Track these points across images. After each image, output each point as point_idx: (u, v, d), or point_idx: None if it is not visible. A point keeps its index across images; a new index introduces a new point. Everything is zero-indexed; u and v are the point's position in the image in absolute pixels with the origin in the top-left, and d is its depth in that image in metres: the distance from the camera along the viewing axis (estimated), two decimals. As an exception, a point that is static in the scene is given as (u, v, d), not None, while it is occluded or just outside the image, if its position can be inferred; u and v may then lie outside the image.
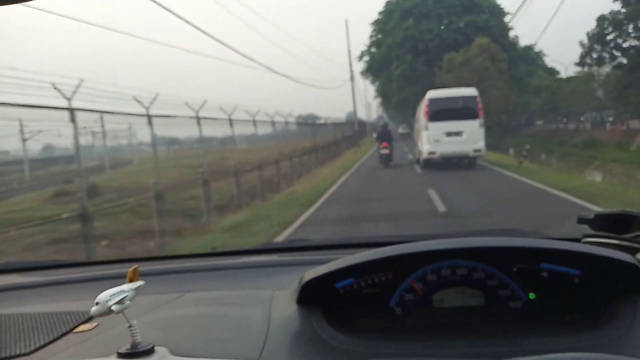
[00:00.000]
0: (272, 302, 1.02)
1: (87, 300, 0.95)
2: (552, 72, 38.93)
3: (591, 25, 32.57)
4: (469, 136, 14.04)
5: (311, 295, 0.95)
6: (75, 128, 6.64)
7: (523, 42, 39.08)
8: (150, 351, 0.79)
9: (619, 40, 27.79)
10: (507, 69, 29.13)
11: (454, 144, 14.09)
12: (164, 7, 8.73)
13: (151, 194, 7.37)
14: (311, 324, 0.90)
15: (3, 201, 10.08)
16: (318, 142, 20.85)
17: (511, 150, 23.61)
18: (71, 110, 6.44)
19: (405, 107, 36.91)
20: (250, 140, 16.74)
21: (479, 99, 14.47)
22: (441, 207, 8.17)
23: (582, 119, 37.33)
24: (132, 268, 0.85)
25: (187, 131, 11.19)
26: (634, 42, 27.27)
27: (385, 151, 15.98)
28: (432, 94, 15.03)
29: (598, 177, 13.61)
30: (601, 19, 27.81)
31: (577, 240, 1.18)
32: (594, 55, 29.19)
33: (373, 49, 41.75)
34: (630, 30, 27.14)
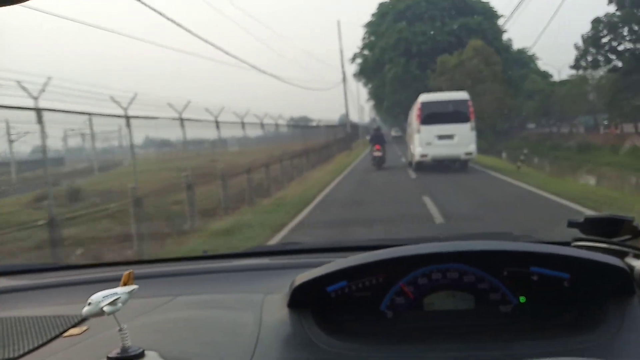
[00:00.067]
0: (263, 306, 1.03)
1: (77, 303, 0.95)
2: (545, 75, 39.30)
3: (584, 28, 33.00)
4: (461, 139, 14.42)
5: (302, 299, 0.96)
6: (42, 129, 6.28)
7: (516, 45, 39.62)
8: (140, 355, 0.79)
9: (614, 43, 27.97)
10: (501, 72, 29.39)
11: (446, 146, 14.47)
12: (152, 9, 8.59)
13: (129, 199, 7.09)
14: (302, 327, 0.91)
15: (-17, 204, 9.93)
16: (310, 145, 20.81)
17: (504, 154, 23.80)
18: (37, 111, 6.18)
19: (398, 110, 37.10)
20: (242, 142, 16.68)
21: (470, 103, 14.86)
22: (438, 218, 7.55)
23: (577, 122, 37.72)
24: (127, 272, 0.85)
25: (179, 133, 11.05)
26: (629, 45, 27.45)
27: (378, 153, 16.38)
28: (424, 97, 15.44)
29: (604, 183, 13.54)
30: (596, 22, 27.95)
31: (567, 244, 1.20)
32: (589, 58, 29.36)
33: (366, 51, 41.97)
34: (625, 34, 27.31)
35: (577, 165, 19.19)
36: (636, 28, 26.80)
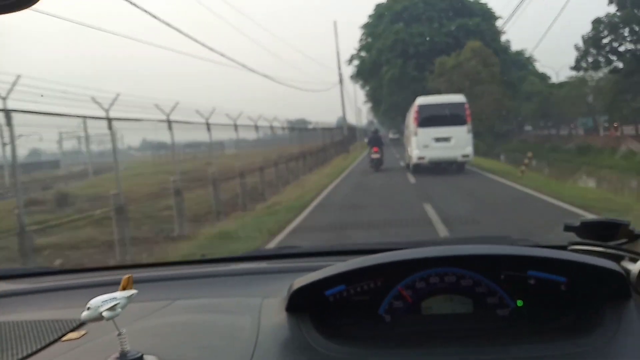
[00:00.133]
0: (261, 310, 1.05)
1: (75, 308, 0.96)
2: (544, 77, 39.47)
3: (582, 30, 33.11)
4: (457, 142, 14.76)
5: (300, 303, 0.97)
6: (11, 132, 6.01)
7: (514, 46, 39.76)
8: (139, 359, 0.81)
9: (615, 44, 27.86)
10: (499, 74, 29.51)
11: (443, 149, 14.79)
12: (146, 11, 8.49)
13: (111, 207, 6.81)
14: (300, 331, 0.92)
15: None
16: (306, 147, 20.81)
17: (502, 156, 23.83)
18: (6, 112, 5.95)
19: (396, 112, 37.19)
20: (240, 145, 16.71)
21: (467, 106, 15.21)
22: (443, 231, 6.96)
23: (574, 124, 37.90)
24: (126, 276, 0.87)
25: (176, 135, 10.91)
26: (630, 46, 27.36)
27: (376, 156, 16.74)
28: (421, 100, 15.76)
29: (624, 189, 13.20)
30: (597, 22, 27.81)
31: (564, 247, 1.23)
32: (590, 59, 29.24)
33: (363, 53, 42.06)
34: (626, 34, 27.20)
35: (584, 169, 18.37)
36: (637, 29, 26.69)
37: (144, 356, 0.82)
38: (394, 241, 2.64)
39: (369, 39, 41.10)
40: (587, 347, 0.85)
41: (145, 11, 8.25)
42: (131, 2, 7.69)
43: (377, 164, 16.77)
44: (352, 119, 59.83)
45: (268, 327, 0.96)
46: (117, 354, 0.81)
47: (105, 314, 0.80)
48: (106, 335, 0.91)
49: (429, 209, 8.42)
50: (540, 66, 40.77)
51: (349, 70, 51.44)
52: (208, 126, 10.73)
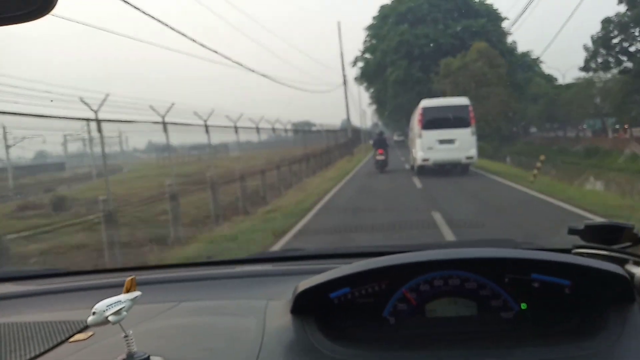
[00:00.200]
0: (266, 312, 1.07)
1: (82, 309, 0.98)
2: (550, 79, 39.37)
3: (588, 31, 32.88)
4: (462, 144, 15.01)
5: (305, 305, 0.99)
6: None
7: (519, 48, 39.66)
8: None
9: (625, 44, 27.57)
10: (506, 75, 29.44)
11: (447, 151, 15.05)
12: (149, 15, 8.44)
13: (101, 213, 6.58)
14: (305, 333, 0.94)
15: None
16: (310, 150, 20.81)
17: (508, 159, 23.72)
18: None
19: (400, 114, 37.18)
20: (245, 147, 16.76)
21: (471, 108, 15.49)
22: (448, 234, 6.71)
23: (584, 126, 37.74)
24: (130, 278, 0.88)
25: (180, 138, 10.92)
26: (641, 46, 27.05)
27: (381, 157, 17.27)
28: (425, 102, 16.04)
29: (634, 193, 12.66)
30: (606, 22, 27.54)
31: (568, 250, 1.24)
32: (599, 60, 28.97)
33: (367, 55, 42.07)
34: (636, 34, 26.91)
35: (597, 173, 17.60)
36: (648, 28, 26.41)
37: (151, 357, 0.84)
38: (398, 244, 2.69)
39: (373, 41, 41.11)
40: (591, 350, 0.86)
41: (149, 15, 8.22)
42: (137, 8, 7.66)
43: (382, 166, 17.23)
44: (356, 121, 59.84)
45: (273, 329, 0.97)
46: (124, 355, 0.83)
47: (111, 318, 0.82)
48: (113, 336, 0.92)
49: (438, 218, 7.75)
50: (547, 68, 40.78)
51: (353, 72, 51.51)
52: (206, 128, 10.56)
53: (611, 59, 28.63)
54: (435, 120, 15.29)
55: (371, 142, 21.61)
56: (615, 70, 29.08)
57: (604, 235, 1.17)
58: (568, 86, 35.23)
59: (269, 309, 1.08)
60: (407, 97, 33.94)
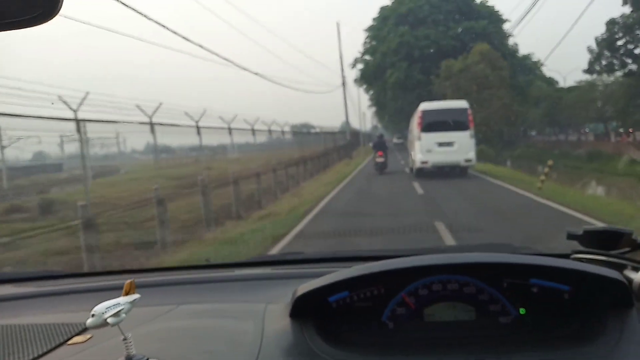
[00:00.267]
0: (265, 315, 1.08)
1: (81, 311, 1.01)
2: (551, 82, 39.41)
3: (590, 34, 32.78)
4: (460, 146, 15.33)
5: (304, 309, 1.00)
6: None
7: (521, 50, 39.70)
8: None
9: (630, 46, 27.34)
10: (508, 78, 29.40)
11: (446, 153, 15.39)
12: (144, 15, 8.31)
13: (80, 220, 6.23)
14: (304, 337, 0.95)
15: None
16: (307, 152, 20.77)
17: (508, 163, 23.62)
18: None
19: (400, 117, 37.19)
20: (243, 149, 16.77)
21: (469, 111, 15.84)
22: (449, 239, 6.44)
23: (586, 130, 37.72)
24: (129, 281, 0.90)
25: (177, 140, 10.80)
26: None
27: (380, 159, 17.80)
28: (425, 105, 16.42)
29: None
30: (611, 24, 27.28)
31: (567, 256, 1.25)
32: (603, 62, 28.73)
33: (367, 56, 42.14)
34: None
35: (608, 180, 16.75)
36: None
37: None
38: (397, 248, 2.74)
39: (373, 42, 41.20)
40: (589, 355, 0.87)
41: (142, 14, 8.10)
42: (137, 11, 7.52)
43: (381, 168, 17.77)
44: (356, 124, 59.82)
45: (272, 333, 0.99)
46: (122, 358, 0.84)
47: (110, 320, 0.83)
48: (111, 339, 0.94)
49: (442, 229, 7.09)
50: (547, 71, 40.80)
51: (353, 74, 51.54)
52: (198, 129, 10.38)
53: (615, 61, 28.44)
54: (434, 123, 15.60)
55: (371, 144, 22.06)
56: (619, 73, 28.90)
57: (603, 240, 1.19)
58: (570, 89, 35.23)
59: (268, 313, 1.10)
60: (407, 99, 33.99)
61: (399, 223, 8.21)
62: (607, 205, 10.09)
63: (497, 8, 39.12)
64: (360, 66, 42.76)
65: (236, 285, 1.51)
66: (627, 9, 26.49)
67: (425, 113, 15.96)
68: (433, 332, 1.00)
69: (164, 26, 9.04)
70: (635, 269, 1.06)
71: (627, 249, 1.15)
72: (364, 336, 1.00)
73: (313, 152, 22.25)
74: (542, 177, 13.04)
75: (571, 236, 1.23)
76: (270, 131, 16.32)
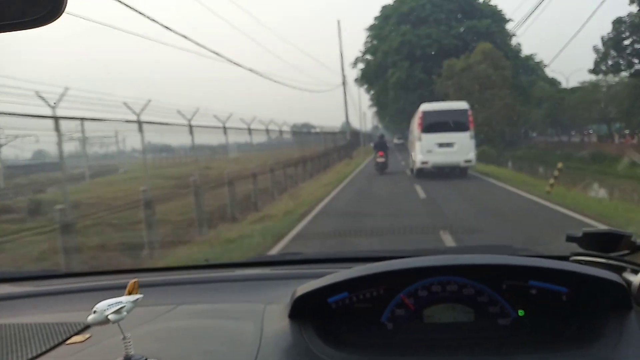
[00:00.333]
0: (264, 316, 1.09)
1: (80, 311, 1.02)
2: (553, 82, 39.36)
3: (594, 35, 32.55)
4: (461, 147, 15.58)
5: (303, 310, 1.01)
6: None
7: (523, 51, 39.62)
8: None
9: (637, 46, 27.12)
10: (511, 78, 29.33)
11: (446, 154, 15.64)
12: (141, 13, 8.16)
13: (56, 224, 5.91)
14: (303, 338, 0.96)
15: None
16: (307, 153, 20.72)
17: (510, 164, 23.53)
18: None
19: (401, 117, 37.17)
20: (243, 149, 16.78)
21: (469, 112, 16.16)
22: (448, 241, 6.29)
23: (590, 131, 37.63)
24: (132, 281, 0.91)
25: (181, 139, 10.67)
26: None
27: (381, 159, 18.20)
28: (425, 107, 16.72)
29: None
30: (618, 22, 27.04)
31: (566, 258, 1.26)
32: (610, 62, 28.50)
33: (368, 56, 42.11)
34: None
35: (617, 183, 16.18)
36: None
37: None
38: (397, 249, 2.75)
39: (375, 42, 41.19)
40: (588, 357, 0.88)
41: (143, 14, 8.00)
42: (135, 9, 7.37)
43: (382, 168, 18.19)
44: (357, 124, 59.77)
45: (271, 333, 1.00)
46: (121, 358, 0.85)
47: (111, 316, 0.84)
48: (110, 338, 0.95)
49: (448, 240, 6.62)
50: (550, 71, 40.69)
51: (354, 74, 51.58)
52: (191, 128, 10.00)
53: (622, 61, 28.23)
54: (434, 124, 15.87)
55: (372, 144, 22.56)
56: (625, 73, 28.55)
57: (602, 242, 1.19)
58: (573, 90, 35.18)
59: (267, 313, 1.11)
60: (409, 99, 33.98)
61: (397, 229, 7.55)
62: (627, 212, 9.29)
63: (500, 7, 39.16)
64: (361, 66, 42.80)
65: (235, 286, 1.52)
66: (634, 8, 26.18)
67: (426, 114, 16.21)
68: (432, 334, 1.01)
69: (155, 21, 8.87)
70: (635, 272, 1.06)
71: (626, 252, 1.16)
72: (363, 337, 1.01)
73: (313, 152, 22.22)
74: (552, 181, 12.43)
75: (570, 238, 1.23)
76: (267, 131, 16.19)
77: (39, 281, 1.73)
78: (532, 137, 42.71)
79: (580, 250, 1.24)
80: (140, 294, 0.91)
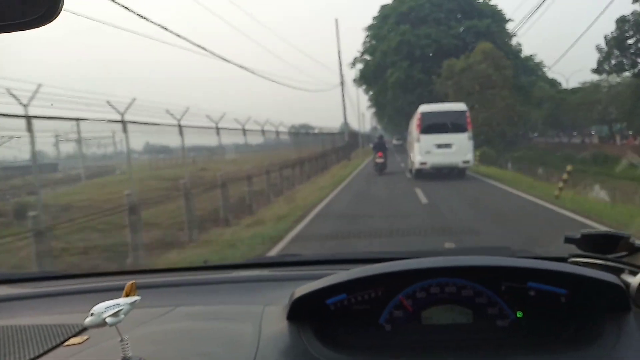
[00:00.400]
0: (262, 318, 1.10)
1: (78, 312, 1.04)
2: (553, 83, 39.37)
3: (595, 36, 32.38)
4: (459, 148, 15.95)
5: (301, 311, 1.02)
6: None
7: (524, 51, 39.60)
8: None
9: None
10: (511, 78, 29.29)
11: (444, 155, 16.01)
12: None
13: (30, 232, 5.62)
14: (301, 340, 0.97)
15: None
16: (304, 154, 20.67)
17: (509, 165, 23.45)
18: None
19: (400, 118, 37.09)
20: (242, 149, 16.81)
21: (467, 114, 16.58)
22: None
23: (592, 132, 37.66)
24: (130, 283, 0.91)
25: (178, 140, 10.54)
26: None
27: (380, 160, 18.73)
28: (424, 108, 17.11)
29: None
30: (621, 21, 26.86)
31: (564, 259, 1.28)
32: (613, 62, 28.35)
33: (366, 56, 42.04)
34: None
35: (623, 186, 15.44)
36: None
37: None
38: (395, 250, 2.78)
39: (373, 41, 41.11)
40: (586, 359, 0.89)
41: (136, 12, 7.89)
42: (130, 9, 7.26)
43: (381, 168, 18.75)
44: (355, 125, 59.75)
45: (269, 335, 1.00)
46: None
47: (108, 320, 0.84)
48: (108, 340, 0.96)
49: None
50: (550, 72, 40.69)
51: (352, 74, 51.56)
52: (180, 129, 9.71)
53: (625, 61, 28.08)
54: (433, 125, 16.22)
55: (371, 145, 23.00)
56: (628, 73, 28.34)
57: (600, 244, 1.20)
58: (574, 91, 35.18)
59: (265, 315, 1.12)
60: (408, 99, 33.95)
61: (398, 240, 7.12)
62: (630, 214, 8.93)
63: (500, 7, 39.15)
64: (359, 66, 42.71)
65: (234, 287, 1.53)
66: (638, 7, 26.00)
67: (424, 115, 16.54)
68: (430, 335, 1.02)
69: (142, 16, 8.71)
70: (633, 273, 1.07)
71: (624, 253, 1.17)
72: (362, 339, 1.02)
73: (310, 153, 22.15)
74: (560, 185, 11.87)
75: (569, 240, 1.24)
76: (263, 131, 16.10)
77: (36, 282, 1.75)
78: (532, 138, 42.74)
79: (579, 251, 1.25)
80: (138, 295, 0.92)
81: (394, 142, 43.77)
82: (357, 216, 9.48)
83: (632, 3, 26.03)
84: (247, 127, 14.13)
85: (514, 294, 1.01)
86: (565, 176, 12.24)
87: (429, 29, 36.47)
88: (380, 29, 40.02)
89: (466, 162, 16.14)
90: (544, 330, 1.00)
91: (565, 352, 0.92)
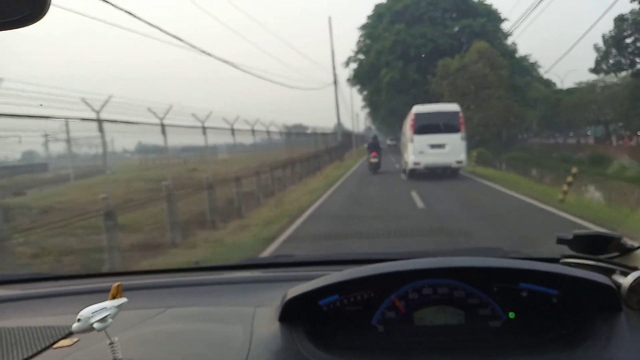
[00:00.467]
0: (254, 319, 1.11)
1: (67, 314, 1.04)
2: (548, 84, 39.56)
3: (591, 37, 32.44)
4: (452, 148, 16.30)
5: (294, 313, 1.03)
6: None
7: (519, 51, 39.74)
8: None
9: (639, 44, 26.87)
10: (508, 77, 29.35)
11: (438, 155, 16.35)
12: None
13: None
14: (293, 341, 0.97)
15: None
16: (296, 154, 20.63)
17: (504, 166, 23.50)
18: None
19: (394, 118, 37.13)
20: (235, 149, 16.83)
21: (461, 114, 16.95)
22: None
23: (588, 132, 37.86)
24: (116, 285, 0.92)
25: (172, 140, 10.44)
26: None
27: (374, 160, 19.45)
28: (417, 108, 17.45)
29: None
30: (620, 20, 26.77)
31: (556, 260, 1.30)
32: (611, 61, 28.34)
33: (361, 56, 42.04)
34: None
35: (628, 190, 14.89)
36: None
37: None
38: (388, 251, 2.77)
39: (368, 41, 41.12)
40: (578, 359, 0.90)
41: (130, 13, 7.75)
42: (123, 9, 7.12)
43: (375, 168, 19.51)
44: (349, 125, 59.73)
45: (261, 337, 1.01)
46: None
47: (96, 325, 0.84)
48: (98, 342, 0.95)
49: None
50: (545, 73, 40.88)
51: (346, 74, 51.48)
52: (163, 128, 9.64)
53: (624, 60, 28.05)
54: (426, 126, 16.58)
55: (365, 145, 23.91)
56: (626, 72, 28.28)
57: (592, 245, 1.22)
58: (569, 91, 35.33)
59: (257, 316, 1.12)
60: (402, 99, 33.96)
61: (395, 242, 6.80)
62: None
63: (495, 7, 39.30)
64: (353, 65, 42.71)
65: (225, 289, 1.53)
66: (636, 5, 25.78)
67: (418, 116, 16.87)
68: (423, 336, 1.03)
69: (131, 13, 8.58)
70: (624, 274, 1.08)
71: (615, 254, 1.19)
72: (354, 340, 1.03)
73: (302, 154, 22.10)
74: (565, 188, 11.36)
75: (561, 241, 1.26)
76: (253, 131, 15.97)
77: (25, 284, 1.75)
78: (528, 139, 42.94)
79: (571, 252, 1.26)
80: (127, 297, 0.92)
81: (388, 142, 43.85)
82: (349, 221, 9.08)
83: (631, 2, 25.82)
84: (236, 126, 13.94)
85: (506, 295, 1.02)
86: (569, 179, 11.65)
87: (424, 28, 36.54)
88: (375, 28, 40.04)
89: (459, 162, 16.48)
90: (536, 330, 1.01)
91: (557, 352, 0.93)
